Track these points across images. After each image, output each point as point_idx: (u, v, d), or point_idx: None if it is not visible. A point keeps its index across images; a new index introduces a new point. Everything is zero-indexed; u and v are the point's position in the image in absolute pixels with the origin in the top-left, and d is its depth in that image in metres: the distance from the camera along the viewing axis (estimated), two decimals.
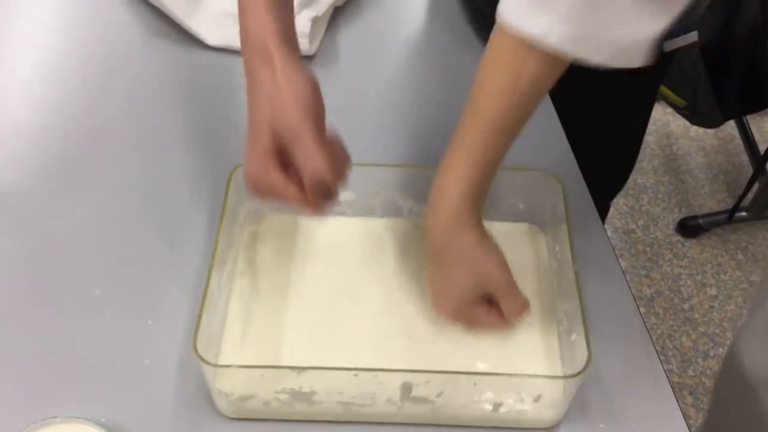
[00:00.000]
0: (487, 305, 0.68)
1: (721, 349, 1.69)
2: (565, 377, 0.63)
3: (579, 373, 0.59)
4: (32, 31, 0.99)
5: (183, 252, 0.75)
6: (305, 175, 0.59)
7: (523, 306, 0.68)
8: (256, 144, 0.61)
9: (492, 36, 0.63)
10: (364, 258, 0.74)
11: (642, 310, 0.73)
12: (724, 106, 1.50)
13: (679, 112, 1.62)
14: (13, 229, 0.77)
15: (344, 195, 0.74)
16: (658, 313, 1.75)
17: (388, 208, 0.77)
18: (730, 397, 0.87)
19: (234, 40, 0.96)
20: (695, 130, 2.12)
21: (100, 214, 0.79)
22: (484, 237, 0.67)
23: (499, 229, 0.73)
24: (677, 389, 0.69)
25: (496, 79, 0.63)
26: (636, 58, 0.60)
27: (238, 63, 0.99)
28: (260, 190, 0.62)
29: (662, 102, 2.01)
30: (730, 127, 2.05)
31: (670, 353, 1.67)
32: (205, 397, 0.65)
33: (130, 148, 0.86)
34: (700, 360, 1.68)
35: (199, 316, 0.60)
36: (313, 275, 0.73)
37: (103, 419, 0.62)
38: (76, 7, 1.03)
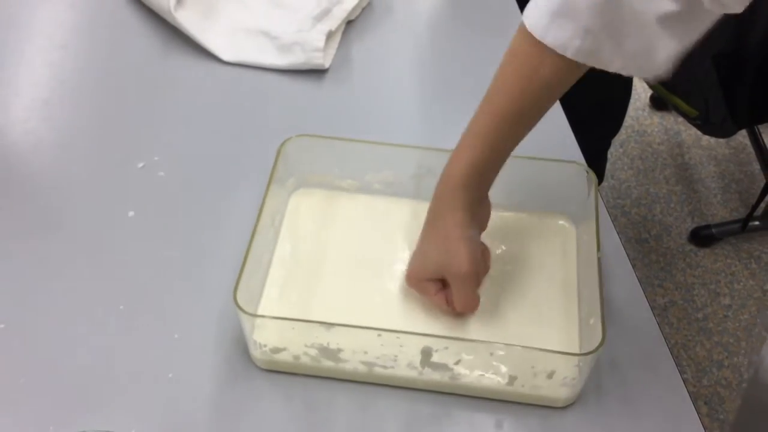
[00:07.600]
0: (440, 283, 0.70)
1: (735, 359, 1.68)
2: (576, 354, 0.66)
3: (591, 352, 0.61)
4: (50, 51, 1.00)
5: (209, 269, 0.77)
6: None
7: (471, 305, 0.70)
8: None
9: (516, 31, 0.64)
10: (398, 234, 0.79)
11: (656, 319, 0.74)
12: (736, 116, 1.50)
13: (690, 122, 1.62)
14: (35, 244, 0.79)
15: (384, 175, 0.80)
16: (672, 323, 1.75)
17: (422, 190, 0.80)
18: (756, 409, 0.86)
19: (247, 55, 0.97)
20: (707, 140, 2.11)
21: (122, 231, 0.80)
22: (466, 223, 0.68)
23: (531, 219, 0.78)
24: (692, 399, 0.70)
25: (511, 75, 0.64)
26: (653, 71, 0.61)
27: (252, 77, 1.00)
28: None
29: (673, 112, 2.02)
30: (742, 136, 2.05)
31: (684, 363, 1.67)
32: (230, 413, 0.66)
33: (149, 163, 0.87)
34: (714, 370, 1.67)
35: (242, 269, 0.65)
36: (349, 245, 0.78)
37: (132, 430, 0.63)
38: (92, 27, 1.05)
